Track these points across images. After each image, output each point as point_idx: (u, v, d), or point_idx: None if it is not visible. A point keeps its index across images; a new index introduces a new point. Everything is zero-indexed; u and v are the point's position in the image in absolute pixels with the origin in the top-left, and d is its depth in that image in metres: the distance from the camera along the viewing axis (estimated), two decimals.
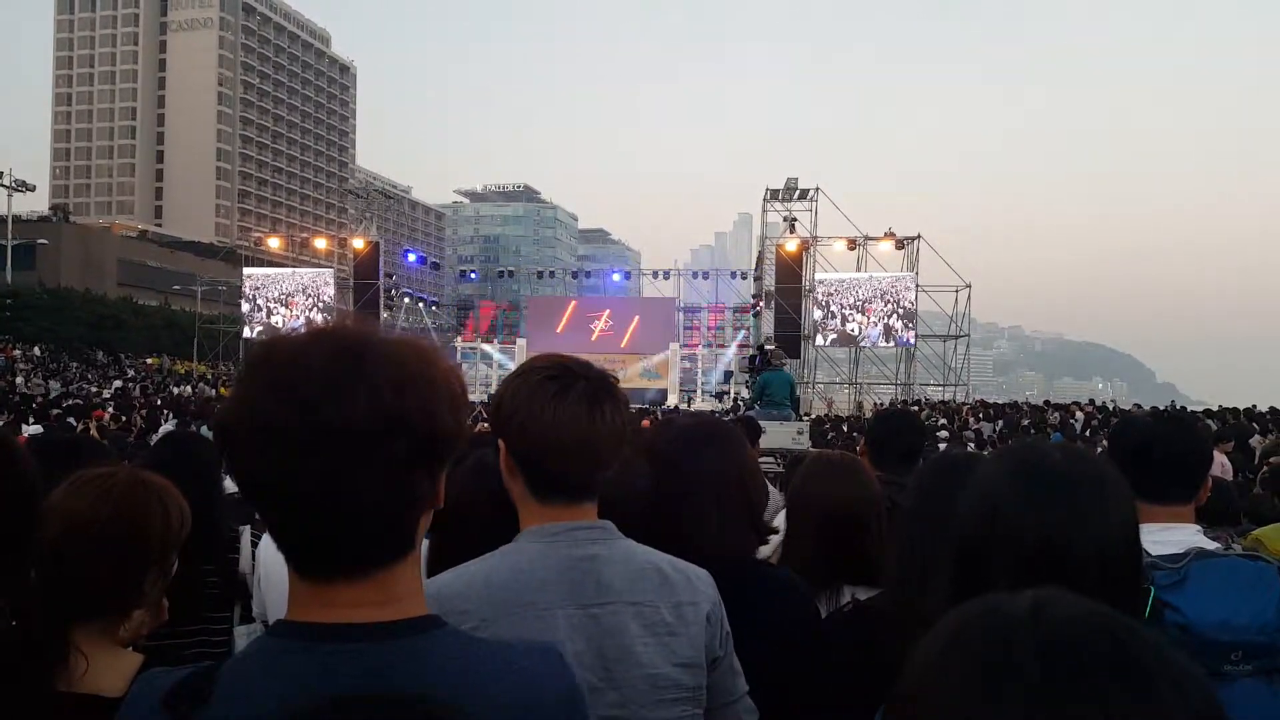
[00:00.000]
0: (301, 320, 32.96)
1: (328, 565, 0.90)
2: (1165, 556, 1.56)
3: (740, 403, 26.07)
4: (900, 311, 30.24)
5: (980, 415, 24.30)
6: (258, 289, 34.63)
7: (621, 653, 1.38)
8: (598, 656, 1.36)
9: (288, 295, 34.46)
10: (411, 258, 43.64)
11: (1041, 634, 0.56)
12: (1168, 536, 1.70)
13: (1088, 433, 20.16)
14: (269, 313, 34.17)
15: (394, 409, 0.87)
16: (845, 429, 18.46)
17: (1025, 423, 22.47)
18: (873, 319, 30.32)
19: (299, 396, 0.85)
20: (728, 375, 36.27)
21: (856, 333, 30.45)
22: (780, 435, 8.44)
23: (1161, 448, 1.85)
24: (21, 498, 1.26)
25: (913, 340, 30.88)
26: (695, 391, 36.48)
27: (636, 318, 38.88)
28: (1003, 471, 1.18)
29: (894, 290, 30.35)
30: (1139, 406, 25.92)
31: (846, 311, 30.35)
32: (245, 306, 34.70)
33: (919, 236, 30.86)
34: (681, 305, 40.30)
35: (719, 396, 34.85)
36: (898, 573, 1.66)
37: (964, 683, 0.56)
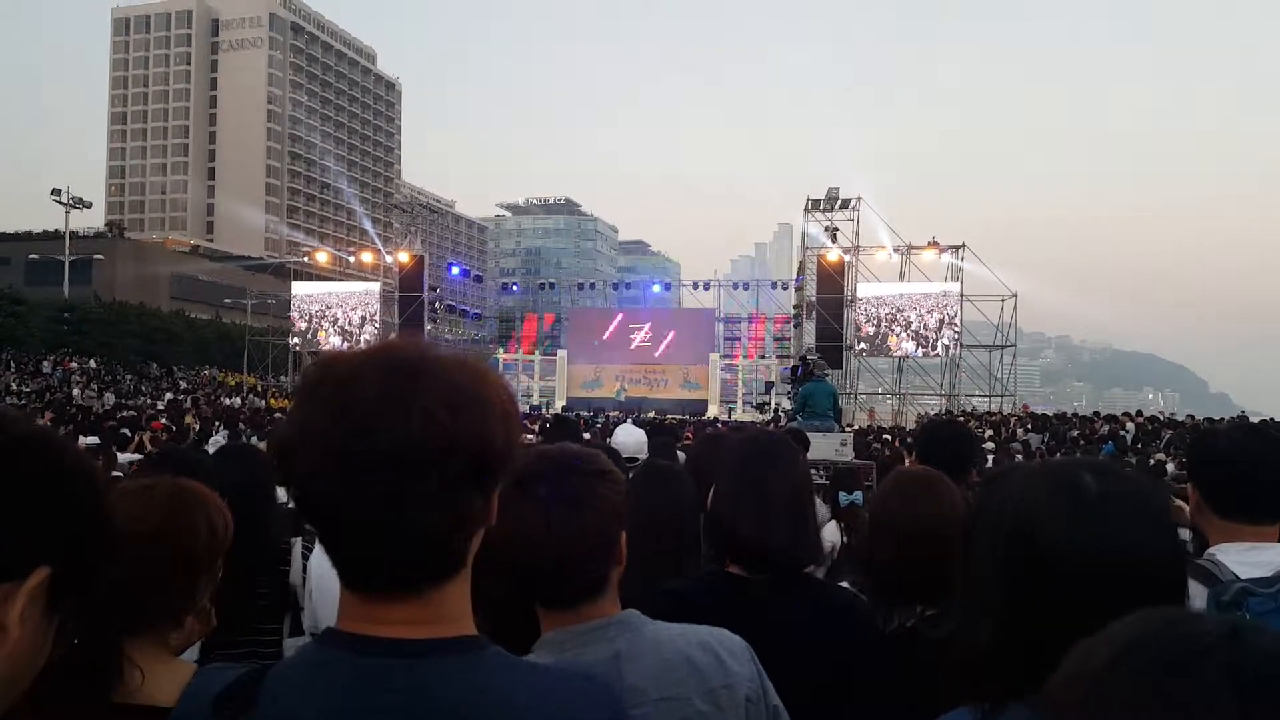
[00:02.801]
0: (353, 336, 33.55)
1: (378, 582, 0.91)
2: (1256, 580, 1.45)
3: (782, 414, 25.89)
4: (943, 322, 29.82)
5: (1027, 426, 23.86)
6: (305, 303, 35.36)
7: None
8: None
9: (333, 309, 35.13)
10: (455, 270, 44.18)
11: (1239, 656, 0.53)
12: (1255, 557, 1.59)
13: (1139, 444, 19.68)
14: (321, 319, 34.77)
15: (449, 430, 0.87)
16: (889, 439, 18.21)
17: (1074, 434, 22.01)
18: (913, 329, 29.94)
19: (355, 419, 0.86)
20: (769, 386, 36.04)
21: (898, 344, 30.09)
22: (824, 447, 8.33)
23: (1251, 465, 1.73)
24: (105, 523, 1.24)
25: (942, 345, 30.41)
26: (736, 403, 36.30)
27: (676, 329, 38.83)
28: (1038, 493, 1.11)
29: (936, 301, 29.95)
30: (1192, 418, 25.23)
31: (886, 325, 30.01)
32: (294, 321, 35.42)
33: (963, 245, 30.44)
34: (722, 316, 40.20)
35: (760, 408, 34.63)
36: (967, 591, 1.60)
37: (1137, 692, 0.53)
